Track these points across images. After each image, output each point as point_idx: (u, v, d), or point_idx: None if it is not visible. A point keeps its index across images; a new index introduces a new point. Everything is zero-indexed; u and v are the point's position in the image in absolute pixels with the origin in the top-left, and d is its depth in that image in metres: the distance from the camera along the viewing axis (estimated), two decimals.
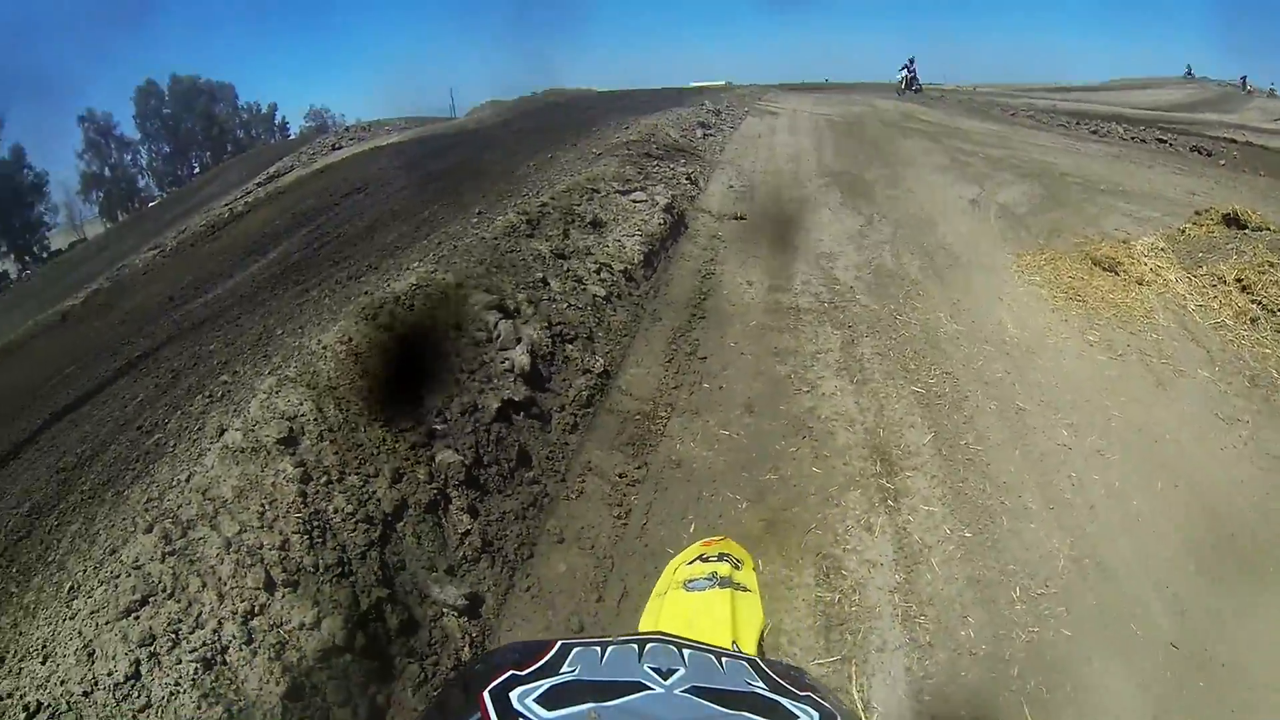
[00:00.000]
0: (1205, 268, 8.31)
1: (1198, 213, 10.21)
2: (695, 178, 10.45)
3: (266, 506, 3.33)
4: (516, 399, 4.52)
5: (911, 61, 28.02)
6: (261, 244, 12.22)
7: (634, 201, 8.41)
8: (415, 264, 6.57)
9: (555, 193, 7.96)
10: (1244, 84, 42.48)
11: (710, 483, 4.60)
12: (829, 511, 4.46)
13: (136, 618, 2.84)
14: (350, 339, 4.45)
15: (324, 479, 3.56)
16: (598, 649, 0.79)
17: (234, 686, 2.78)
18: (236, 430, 3.71)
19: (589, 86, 29.97)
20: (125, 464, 4.52)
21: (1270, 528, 4.75)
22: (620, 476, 4.52)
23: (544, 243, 6.54)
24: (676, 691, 0.71)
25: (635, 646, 0.80)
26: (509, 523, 4.02)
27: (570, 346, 5.38)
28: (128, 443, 4.94)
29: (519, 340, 4.92)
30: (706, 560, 2.05)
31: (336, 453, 3.71)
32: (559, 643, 0.80)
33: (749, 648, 1.75)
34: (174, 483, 3.57)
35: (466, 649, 3.42)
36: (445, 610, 3.47)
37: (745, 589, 1.93)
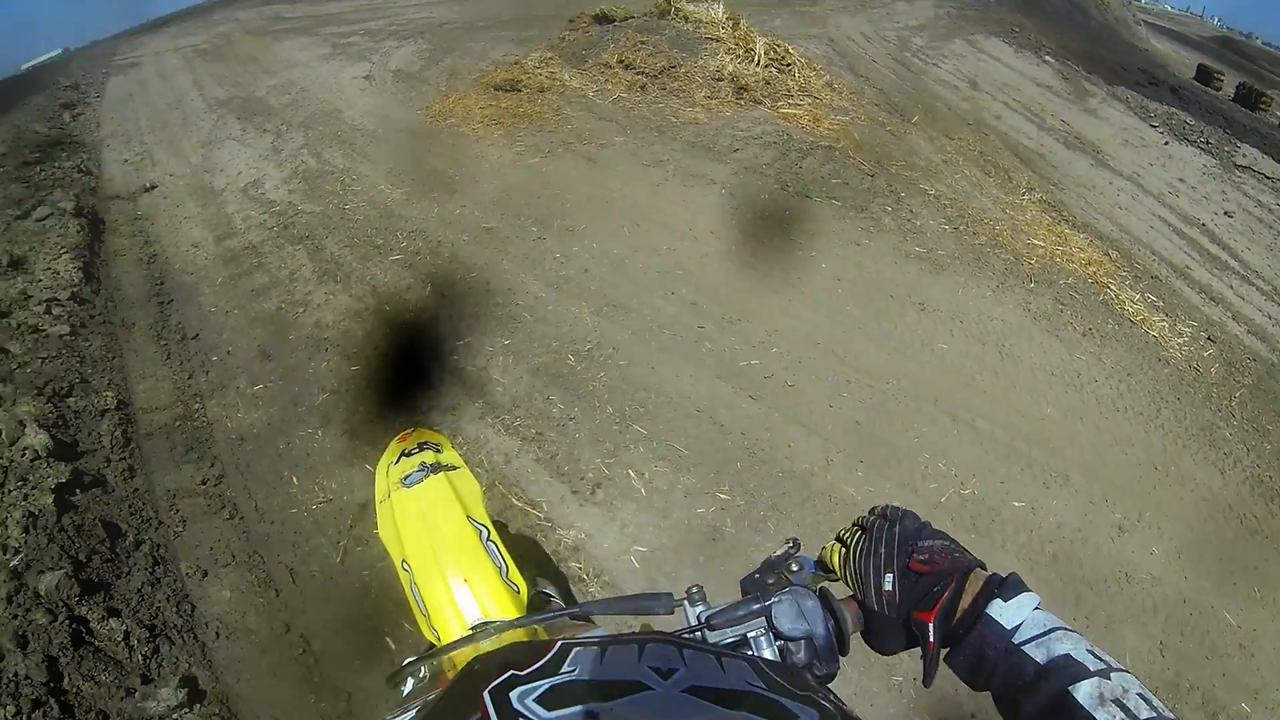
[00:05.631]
0: (590, 60, 9.76)
1: (570, 20, 11.58)
2: (86, 166, 9.42)
3: None
4: (64, 480, 4.18)
5: None
6: None
7: (40, 221, 7.50)
8: None
9: None
10: None
11: (280, 434, 4.73)
12: (405, 395, 4.92)
13: None
14: None
15: None
16: (597, 649, 0.79)
17: None
18: None
19: None
20: None
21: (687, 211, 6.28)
22: (203, 484, 4.48)
23: None
24: (676, 691, 0.71)
25: (635, 646, 0.79)
26: (150, 596, 3.81)
27: (71, 400, 4.98)
28: None
29: (22, 424, 4.50)
30: (410, 454, 2.16)
31: None
32: (559, 643, 0.80)
33: (480, 517, 2.00)
34: None
35: None
36: (175, 715, 3.29)
37: (454, 467, 2.13)
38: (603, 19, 11.43)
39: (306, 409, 4.88)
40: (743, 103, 8.91)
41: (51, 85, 14.44)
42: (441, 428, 4.50)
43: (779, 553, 1.26)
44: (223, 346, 5.60)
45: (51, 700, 3.17)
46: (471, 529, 1.95)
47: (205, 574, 4.01)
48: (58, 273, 6.61)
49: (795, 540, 1.27)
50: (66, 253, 6.93)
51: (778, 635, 1.15)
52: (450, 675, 1.45)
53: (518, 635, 1.57)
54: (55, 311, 6.01)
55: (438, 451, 2.18)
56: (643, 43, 10.07)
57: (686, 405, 4.60)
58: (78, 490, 4.26)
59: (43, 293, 6.24)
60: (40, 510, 3.99)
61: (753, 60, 9.73)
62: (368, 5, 18.68)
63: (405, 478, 2.07)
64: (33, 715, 3.10)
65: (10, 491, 4.09)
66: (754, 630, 1.16)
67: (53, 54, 24.75)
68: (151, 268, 6.87)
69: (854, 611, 1.16)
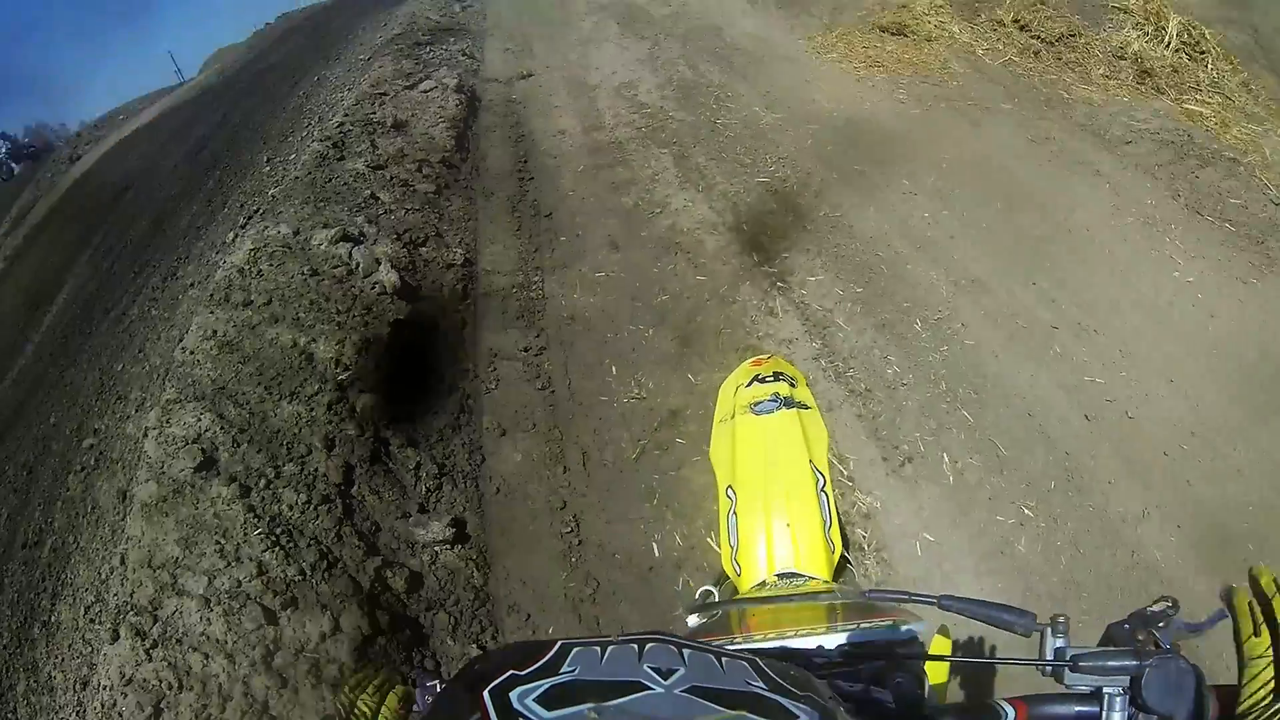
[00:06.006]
0: (984, 15, 8.89)
1: None
2: (470, 51, 10.27)
3: (222, 540, 3.10)
4: (401, 317, 4.48)
5: None
6: (45, 292, 10.90)
7: (424, 93, 8.19)
8: (236, 230, 6.28)
9: (347, 108, 7.65)
10: None
11: (610, 323, 4.80)
12: (729, 310, 4.76)
13: None
14: (215, 331, 4.20)
15: (262, 482, 3.37)
16: (597, 649, 0.78)
17: None
18: (145, 483, 3.37)
19: (315, 1, 26.91)
20: (32, 591, 4.13)
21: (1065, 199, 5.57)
22: (525, 351, 4.64)
23: (357, 160, 6.33)
24: (676, 691, 0.72)
25: (635, 646, 0.79)
26: (449, 438, 4.03)
27: (424, 249, 5.34)
28: (21, 566, 4.50)
29: (378, 262, 4.83)
30: (764, 381, 2.09)
31: (260, 450, 3.51)
32: (559, 643, 0.79)
33: (821, 464, 1.87)
34: (108, 574, 3.27)
35: (475, 574, 3.45)
36: (437, 548, 3.46)
37: (806, 406, 2.02)
38: None
39: (643, 306, 4.91)
40: (1143, 89, 7.79)
41: None
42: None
43: (1155, 608, 1.09)
44: (573, 229, 5.80)
45: (338, 500, 3.40)
46: (811, 474, 1.86)
47: (504, 433, 4.15)
48: (433, 138, 7.16)
49: (1174, 601, 1.10)
50: (443, 122, 7.50)
51: (1135, 702, 1.02)
52: (736, 625, 1.47)
53: (814, 606, 1.51)
54: (425, 171, 6.50)
55: (792, 385, 2.08)
56: (1041, 3, 9.12)
57: (1019, 405, 4.12)
58: (410, 328, 4.51)
59: (417, 153, 6.79)
60: (375, 338, 4.25)
61: (1162, 41, 8.49)
62: None
63: (756, 404, 2.01)
64: (319, 507, 3.33)
65: (354, 316, 4.39)
66: (1111, 686, 1.03)
67: None
68: (518, 147, 7.27)
69: (1216, 708, 0.99)
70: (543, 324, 4.88)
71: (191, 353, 4.08)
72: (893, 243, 5.22)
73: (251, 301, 4.43)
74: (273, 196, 6.15)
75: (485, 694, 0.69)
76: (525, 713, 0.66)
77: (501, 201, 6.29)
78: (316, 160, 6.40)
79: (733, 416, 2.01)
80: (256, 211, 6.19)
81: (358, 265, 4.80)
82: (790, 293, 4.84)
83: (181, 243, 7.89)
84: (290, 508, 3.30)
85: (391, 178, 6.19)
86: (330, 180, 5.99)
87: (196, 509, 3.22)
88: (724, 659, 0.79)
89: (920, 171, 5.99)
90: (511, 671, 0.73)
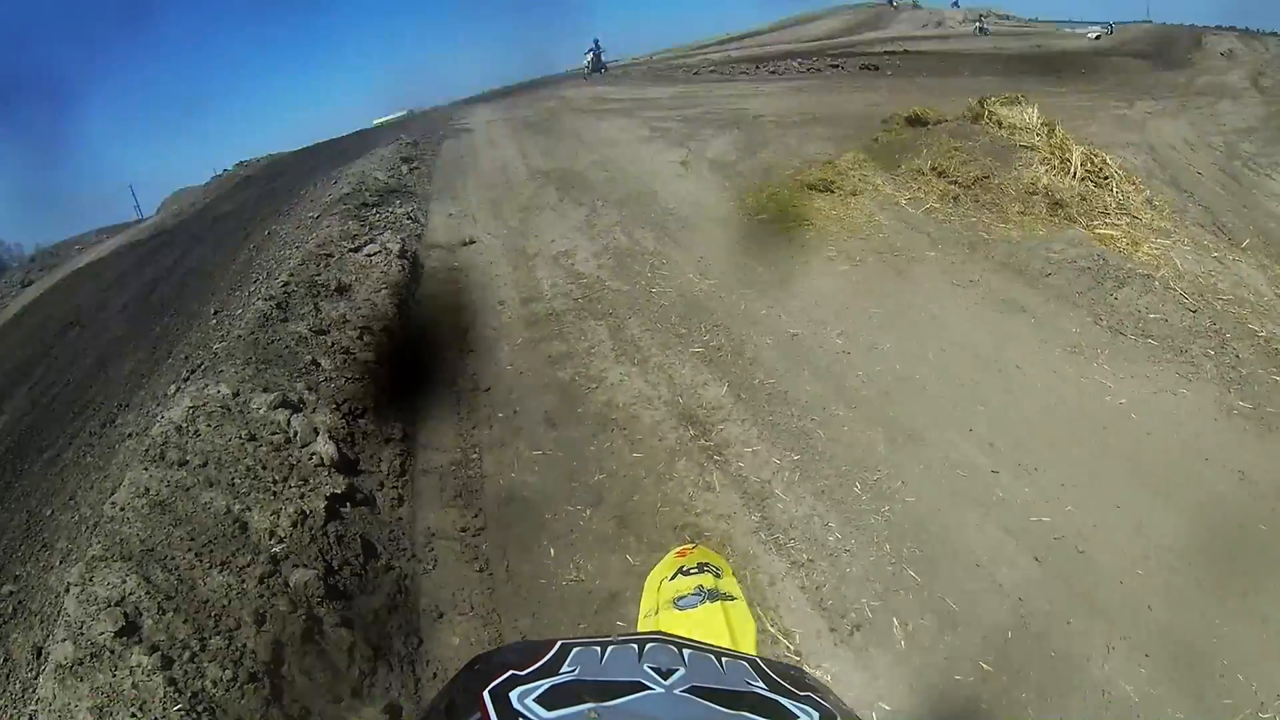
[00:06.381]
0: (904, 165, 9.44)
1: (883, 121, 11.43)
2: (415, 215, 10.54)
3: (138, 713, 2.98)
4: (339, 491, 4.44)
5: (596, 43, 29.64)
6: None
7: (368, 256, 8.33)
8: (179, 383, 6.28)
9: (292, 268, 7.78)
10: (891, 1, 47.03)
11: (548, 504, 4.76)
12: (666, 487, 4.77)
13: None
14: (148, 489, 4.13)
15: (186, 654, 3.25)
16: (598, 649, 0.79)
17: None
18: (61, 642, 3.26)
19: (272, 152, 27.89)
20: None
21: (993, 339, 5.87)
22: (463, 531, 4.60)
23: (300, 323, 6.39)
24: (676, 691, 0.72)
25: (635, 646, 0.80)
26: (385, 619, 3.93)
27: (363, 420, 5.34)
28: None
29: (316, 431, 4.85)
30: (688, 573, 2.01)
31: (186, 620, 3.40)
32: (559, 643, 0.80)
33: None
34: None
35: None
36: None
37: (732, 597, 1.93)
38: (915, 121, 11.21)
39: (580, 485, 4.90)
40: (1056, 220, 8.30)
41: (395, 141, 16.53)
42: (713, 534, 4.36)
43: None
44: (511, 405, 5.83)
45: (266, 679, 3.30)
46: None
47: (441, 616, 4.08)
48: (375, 305, 7.26)
49: None
50: (386, 288, 7.63)
51: None
52: None
53: None
54: (366, 339, 6.55)
55: (717, 576, 1.97)
56: (956, 149, 9.73)
57: (966, 557, 4.13)
58: (348, 504, 4.49)
59: (359, 319, 6.85)
60: (311, 511, 4.24)
61: (1068, 172, 9.11)
62: (685, 93, 19.79)
63: (679, 598, 1.89)
64: (245, 685, 3.23)
65: (291, 487, 4.38)
66: None
67: (399, 114, 29.14)
68: (458, 316, 7.39)
69: None
70: (481, 504, 4.85)
71: (122, 509, 4.03)
72: (828, 405, 5.35)
73: (187, 462, 4.40)
74: (215, 353, 6.15)
75: (485, 694, 0.70)
76: (525, 713, 0.67)
77: (440, 374, 6.36)
78: (260, 319, 6.45)
79: (656, 612, 1.91)
80: (199, 366, 6.15)
81: (296, 434, 4.81)
82: (727, 466, 4.89)
83: (123, 389, 7.78)
84: (215, 684, 3.20)
85: (333, 344, 6.22)
86: (273, 342, 6.02)
87: (114, 677, 3.12)
88: (724, 659, 0.81)
89: (854, 329, 6.24)
90: (511, 671, 0.74)
